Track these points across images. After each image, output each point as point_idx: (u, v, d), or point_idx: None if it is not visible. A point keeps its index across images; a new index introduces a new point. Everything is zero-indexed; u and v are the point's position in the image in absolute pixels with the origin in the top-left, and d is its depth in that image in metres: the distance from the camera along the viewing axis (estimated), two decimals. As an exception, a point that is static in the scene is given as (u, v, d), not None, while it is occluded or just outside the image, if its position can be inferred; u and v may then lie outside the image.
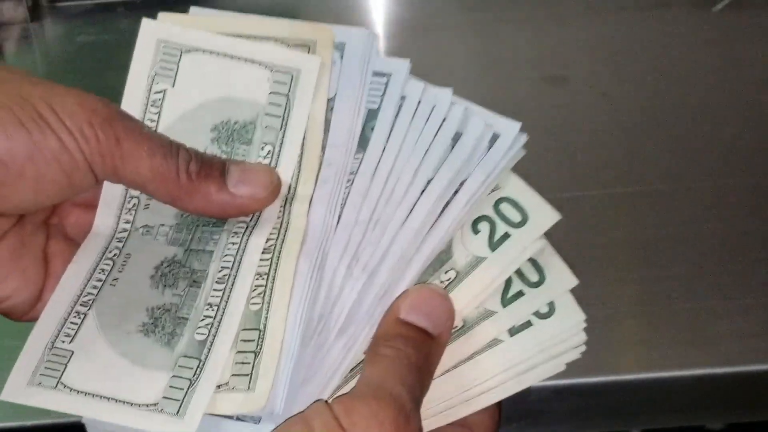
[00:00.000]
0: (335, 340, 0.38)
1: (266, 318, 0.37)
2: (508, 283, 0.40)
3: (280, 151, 0.40)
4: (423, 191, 0.40)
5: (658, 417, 0.57)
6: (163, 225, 0.40)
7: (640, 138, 0.69)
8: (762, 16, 0.80)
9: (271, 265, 0.38)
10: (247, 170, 0.39)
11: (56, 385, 0.36)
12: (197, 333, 0.37)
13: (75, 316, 0.38)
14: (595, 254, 0.60)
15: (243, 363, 0.36)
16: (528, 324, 0.40)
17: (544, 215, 0.41)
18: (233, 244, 0.39)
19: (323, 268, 0.38)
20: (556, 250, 0.42)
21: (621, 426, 0.59)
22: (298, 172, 0.40)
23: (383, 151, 0.40)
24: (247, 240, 0.39)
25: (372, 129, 0.41)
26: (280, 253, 0.38)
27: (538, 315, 0.40)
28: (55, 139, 0.35)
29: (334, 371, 0.38)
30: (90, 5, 0.84)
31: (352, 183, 0.40)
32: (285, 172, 0.40)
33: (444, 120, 0.41)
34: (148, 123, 0.41)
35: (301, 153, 0.40)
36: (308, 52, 0.41)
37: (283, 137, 0.40)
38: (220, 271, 0.38)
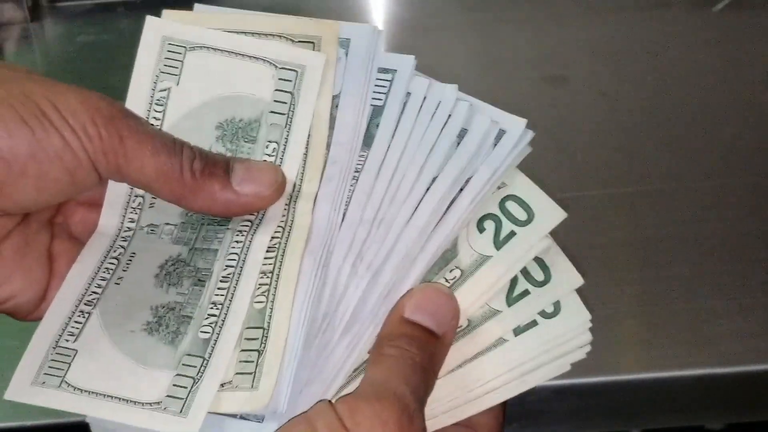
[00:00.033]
0: (339, 339, 0.37)
1: (270, 316, 0.36)
2: (514, 282, 0.40)
3: (284, 148, 0.40)
4: (428, 189, 0.39)
5: (658, 417, 0.57)
6: (168, 224, 0.40)
7: (640, 138, 0.69)
8: (762, 16, 0.80)
9: (275, 263, 0.38)
10: (252, 168, 0.38)
11: (60, 384, 0.36)
12: (201, 331, 0.37)
13: (79, 316, 0.38)
14: (595, 254, 0.60)
15: (247, 362, 0.36)
16: (533, 323, 0.39)
17: (550, 213, 0.40)
18: (238, 242, 0.38)
19: (328, 267, 0.38)
20: (557, 242, 0.41)
21: (621, 426, 0.59)
22: (303, 169, 0.40)
23: (388, 148, 0.40)
24: (252, 238, 0.38)
25: (377, 126, 0.40)
26: (284, 252, 0.38)
27: (544, 314, 0.40)
28: (57, 137, 0.35)
29: (338, 370, 0.37)
30: (90, 5, 0.84)
31: (356, 181, 0.40)
32: (290, 169, 0.40)
33: (449, 116, 0.41)
34: (152, 121, 0.40)
35: (306, 151, 0.40)
36: (313, 48, 0.41)
37: (288, 135, 0.40)
38: (224, 269, 0.38)
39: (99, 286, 0.39)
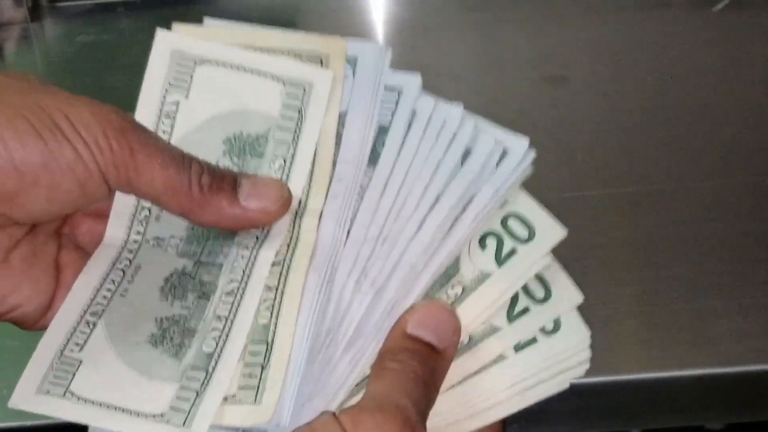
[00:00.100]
0: (342, 355, 0.38)
1: (274, 331, 0.37)
2: (515, 299, 0.40)
3: (291, 164, 0.40)
4: (432, 207, 0.40)
5: (658, 417, 0.57)
6: (173, 237, 0.40)
7: (640, 138, 0.69)
8: (762, 16, 0.80)
9: (280, 278, 0.38)
10: (258, 184, 0.39)
11: (64, 394, 0.36)
12: (205, 345, 0.37)
13: (84, 326, 0.38)
14: (595, 254, 0.60)
15: (250, 375, 0.36)
16: (533, 340, 0.40)
17: (551, 231, 0.41)
18: (243, 257, 0.39)
19: (332, 283, 0.38)
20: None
21: (621, 426, 0.59)
22: (309, 186, 0.40)
23: (393, 166, 0.40)
24: (257, 253, 0.39)
25: (383, 144, 0.41)
26: (289, 267, 0.38)
27: (544, 332, 0.40)
28: (70, 148, 0.36)
29: (340, 385, 0.38)
30: (90, 5, 0.84)
31: (362, 198, 0.40)
32: (296, 185, 0.40)
33: (454, 136, 0.41)
34: (160, 134, 0.41)
35: (312, 167, 0.40)
36: (321, 65, 0.41)
37: (294, 151, 0.40)
38: (229, 283, 0.38)
39: (104, 297, 0.39)
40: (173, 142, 0.41)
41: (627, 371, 0.55)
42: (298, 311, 0.37)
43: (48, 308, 0.39)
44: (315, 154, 0.40)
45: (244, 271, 0.38)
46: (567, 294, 0.41)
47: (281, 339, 0.37)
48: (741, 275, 0.59)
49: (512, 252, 0.40)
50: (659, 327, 0.57)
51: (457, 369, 0.39)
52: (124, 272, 0.40)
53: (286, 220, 0.39)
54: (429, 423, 0.37)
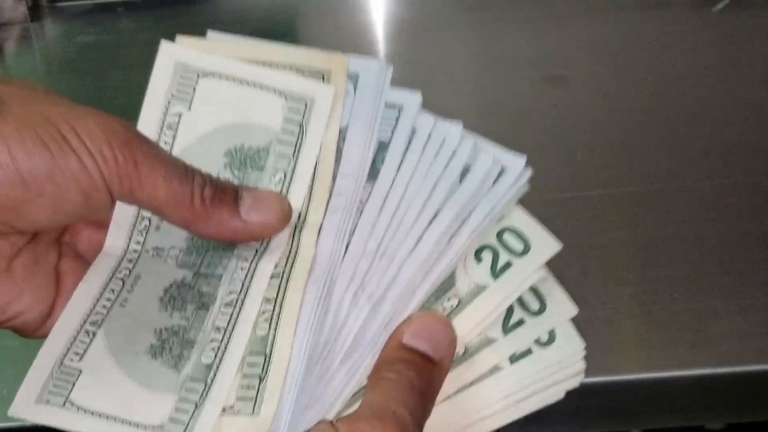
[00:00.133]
0: (339, 366, 0.38)
1: (272, 343, 0.37)
2: (510, 311, 0.40)
3: (291, 178, 0.40)
4: (430, 223, 0.40)
5: (658, 417, 0.57)
6: (173, 247, 0.40)
7: (640, 138, 0.69)
8: (762, 16, 0.80)
9: (278, 291, 0.38)
10: (260, 197, 0.39)
11: (64, 404, 0.37)
12: (204, 356, 0.37)
13: (84, 335, 0.38)
14: (595, 254, 0.60)
15: (248, 387, 0.36)
16: (528, 352, 0.40)
17: (545, 245, 0.41)
18: (242, 269, 0.39)
19: (330, 296, 0.39)
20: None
21: (621, 426, 0.59)
22: (309, 200, 0.40)
23: (393, 182, 0.41)
24: (256, 265, 0.39)
25: (382, 160, 0.41)
26: (288, 280, 0.38)
27: (539, 343, 0.40)
28: (75, 159, 0.36)
29: (337, 396, 0.38)
30: (90, 5, 0.84)
31: (361, 213, 0.40)
32: (296, 199, 0.40)
33: (453, 154, 0.41)
34: (162, 145, 0.41)
35: (312, 181, 0.40)
36: (323, 81, 0.42)
37: (295, 165, 0.41)
38: (228, 295, 0.38)
39: (104, 307, 0.39)
40: (174, 153, 0.41)
41: (627, 371, 0.55)
42: (297, 323, 0.37)
43: (48, 316, 0.39)
44: (315, 168, 0.41)
45: (243, 283, 0.39)
46: (562, 306, 0.41)
47: (279, 350, 0.37)
48: (741, 275, 0.59)
49: (507, 265, 0.41)
50: (659, 327, 0.57)
51: (452, 380, 0.39)
52: (123, 282, 0.40)
53: (285, 233, 0.40)
54: (424, 433, 0.37)
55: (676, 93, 0.73)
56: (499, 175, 0.41)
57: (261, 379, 0.36)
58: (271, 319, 0.37)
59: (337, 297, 0.39)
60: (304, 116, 0.41)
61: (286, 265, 0.39)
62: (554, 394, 0.40)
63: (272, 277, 0.38)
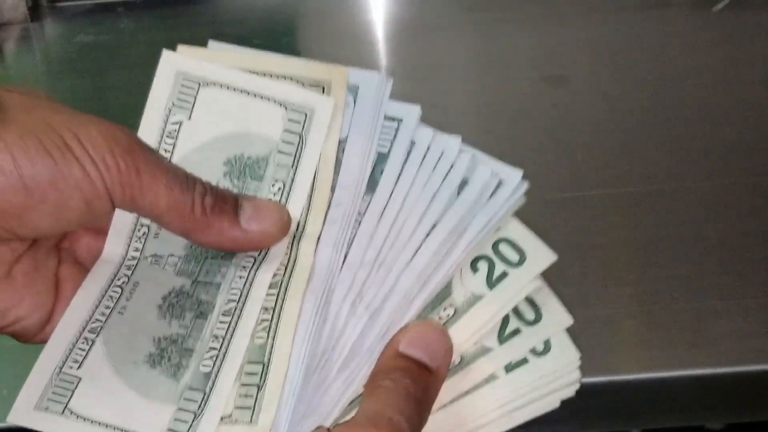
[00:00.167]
0: (336, 375, 0.38)
1: (270, 352, 0.37)
2: (505, 320, 0.41)
3: (290, 188, 0.41)
4: (428, 235, 0.40)
5: (658, 417, 0.57)
6: (172, 255, 0.40)
7: (640, 138, 0.69)
8: (762, 16, 0.80)
9: (277, 300, 0.38)
10: (260, 207, 0.39)
11: (63, 411, 0.37)
12: (202, 365, 0.37)
13: (83, 343, 0.38)
14: (595, 254, 0.60)
15: (246, 396, 0.36)
16: (524, 361, 0.41)
17: (541, 256, 0.41)
18: (240, 277, 0.39)
19: (328, 305, 0.39)
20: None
21: (621, 426, 0.59)
22: (308, 210, 0.41)
23: (391, 194, 0.41)
24: (255, 274, 0.39)
25: (381, 172, 0.41)
26: (286, 290, 0.38)
27: (534, 352, 0.41)
28: (78, 167, 0.36)
29: (333, 405, 0.38)
30: (90, 5, 0.84)
31: (359, 224, 0.41)
32: (294, 209, 0.40)
33: (451, 167, 0.42)
34: (162, 153, 0.41)
35: (311, 192, 0.41)
36: (323, 92, 0.42)
37: (294, 175, 0.41)
38: (226, 303, 0.39)
39: (103, 314, 0.39)
40: (174, 161, 0.41)
41: (627, 371, 0.55)
42: (295, 332, 0.37)
43: (47, 322, 0.39)
44: (314, 178, 0.41)
45: (241, 292, 0.39)
46: (557, 316, 0.41)
47: (277, 359, 0.37)
48: (741, 275, 0.59)
49: (503, 275, 0.41)
50: (659, 327, 0.57)
51: (448, 388, 0.39)
52: (122, 289, 0.40)
53: (284, 243, 0.40)
54: (419, 442, 0.37)
55: (676, 93, 0.73)
56: (497, 187, 0.42)
57: (259, 388, 0.36)
58: (270, 328, 0.38)
59: (335, 306, 0.39)
60: (303, 127, 0.41)
61: (284, 275, 0.39)
62: (549, 403, 0.41)
63: (270, 286, 0.39)
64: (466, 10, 0.83)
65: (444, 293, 0.41)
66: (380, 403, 0.36)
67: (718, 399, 0.56)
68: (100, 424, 0.36)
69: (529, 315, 0.41)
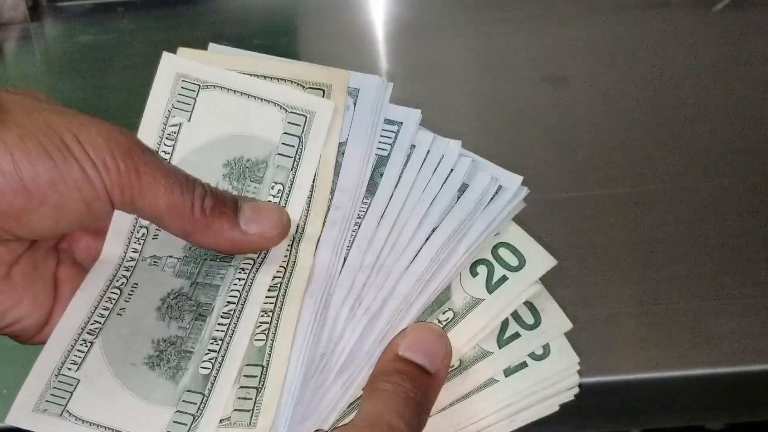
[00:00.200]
0: (335, 379, 0.38)
1: (270, 355, 0.37)
2: (505, 324, 0.41)
3: (290, 191, 0.41)
4: (427, 239, 0.40)
5: (658, 417, 0.57)
6: (171, 256, 0.41)
7: (640, 138, 0.69)
8: (762, 16, 0.80)
9: (276, 303, 0.38)
10: (259, 209, 0.39)
11: (62, 413, 0.37)
12: (201, 367, 0.37)
13: (82, 344, 0.38)
14: (595, 254, 0.60)
15: (245, 398, 0.36)
16: (523, 365, 0.41)
17: (540, 260, 0.41)
18: (240, 279, 0.39)
19: (327, 309, 0.39)
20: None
21: (621, 426, 0.59)
22: (307, 212, 0.41)
23: (391, 197, 0.41)
24: (254, 277, 0.39)
25: (381, 175, 0.41)
26: (285, 292, 0.38)
27: (533, 356, 0.41)
28: (78, 169, 0.36)
29: (332, 409, 0.38)
30: (90, 5, 0.84)
31: (358, 227, 0.41)
32: (294, 211, 0.40)
33: (451, 171, 0.42)
34: (162, 155, 0.41)
35: (311, 194, 0.41)
36: (323, 95, 0.42)
37: (293, 177, 0.41)
38: (225, 305, 0.39)
39: (101, 316, 0.39)
40: (174, 162, 0.41)
41: (627, 371, 0.55)
42: (294, 335, 0.37)
43: (46, 323, 0.39)
44: (314, 181, 0.41)
45: (240, 294, 0.39)
46: (556, 321, 0.41)
47: (276, 362, 0.37)
48: (741, 275, 0.59)
49: (503, 279, 0.41)
50: (659, 327, 0.57)
51: (447, 392, 0.39)
52: (120, 290, 0.40)
53: (283, 245, 0.40)
54: (418, 446, 0.37)
55: (676, 93, 0.73)
56: (497, 192, 0.42)
57: (258, 391, 0.36)
58: (269, 331, 0.38)
59: (334, 310, 0.39)
60: (303, 130, 0.41)
61: (283, 277, 0.39)
62: (548, 406, 0.41)
63: (270, 288, 0.39)
64: (466, 10, 0.83)
65: (443, 297, 0.41)
66: (379, 406, 0.36)
67: (718, 399, 0.56)
68: (98, 426, 0.36)
69: (529, 319, 0.41)
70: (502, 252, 0.42)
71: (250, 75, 0.42)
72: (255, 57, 0.43)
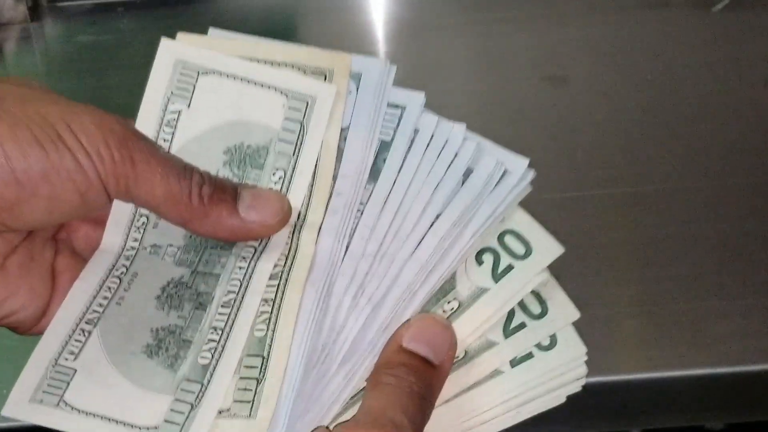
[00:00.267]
0: (337, 370, 0.38)
1: (270, 345, 0.37)
2: (511, 314, 0.40)
3: (291, 177, 0.40)
4: (431, 225, 0.40)
5: (658, 417, 0.57)
6: (171, 245, 0.40)
7: (640, 138, 0.69)
8: (762, 16, 0.80)
9: (277, 292, 0.38)
10: (259, 196, 0.39)
11: (58, 403, 0.36)
12: (201, 357, 0.37)
13: (79, 334, 0.38)
14: (595, 254, 0.60)
15: (245, 389, 0.36)
16: (529, 356, 0.40)
17: (547, 248, 0.41)
18: (240, 268, 0.39)
19: (329, 297, 0.38)
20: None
21: (621, 426, 0.59)
22: (309, 199, 0.40)
23: (394, 183, 0.40)
24: (255, 265, 0.39)
25: (384, 161, 0.41)
26: (286, 281, 0.38)
27: (540, 347, 0.40)
28: (71, 158, 0.35)
29: (334, 400, 0.38)
30: (90, 5, 0.84)
31: (361, 214, 0.40)
32: (295, 198, 0.40)
33: (456, 155, 0.41)
34: (161, 142, 0.41)
35: (313, 180, 0.40)
36: (325, 80, 0.41)
37: (295, 164, 0.40)
38: (226, 295, 0.38)
39: (100, 305, 0.39)
40: (173, 150, 0.41)
41: (627, 371, 0.55)
42: (295, 325, 0.37)
43: (44, 314, 0.39)
44: (316, 167, 0.40)
45: (241, 283, 0.38)
46: (563, 310, 0.41)
47: (277, 353, 0.36)
48: (741, 275, 0.59)
49: (509, 268, 0.40)
50: (659, 327, 0.57)
51: (452, 383, 0.39)
52: (120, 280, 0.39)
53: (284, 233, 0.39)
54: (422, 438, 0.37)
55: (676, 93, 0.73)
56: (502, 176, 0.41)
57: (258, 382, 0.36)
58: (269, 321, 0.37)
59: (336, 299, 0.38)
60: (305, 115, 0.41)
61: (285, 265, 0.38)
62: (555, 398, 0.40)
63: (271, 277, 0.38)
64: (466, 10, 0.83)
65: (448, 286, 0.40)
66: (383, 401, 0.36)
67: (718, 399, 0.56)
68: (95, 416, 0.36)
69: (535, 309, 0.40)
70: (508, 240, 0.41)
71: (251, 60, 0.41)
72: (255, 41, 0.42)
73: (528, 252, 0.41)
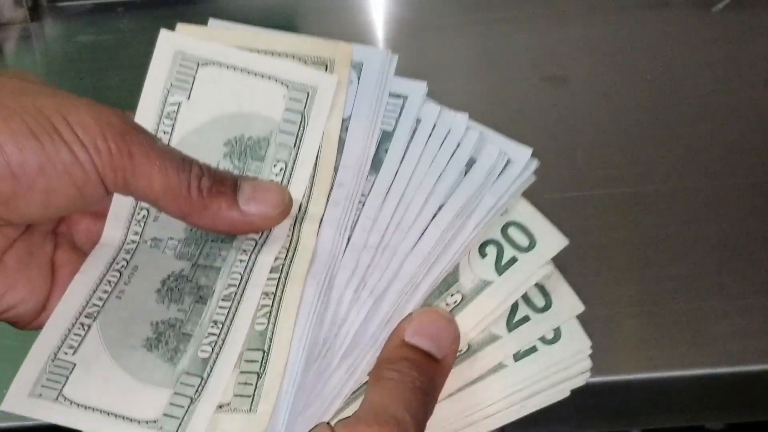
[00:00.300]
0: (339, 364, 0.37)
1: (271, 339, 0.36)
2: (514, 307, 0.40)
3: (292, 169, 0.40)
4: (434, 217, 0.39)
5: (658, 417, 0.57)
6: (171, 238, 0.40)
7: (640, 138, 0.69)
8: (762, 16, 0.80)
9: (278, 285, 0.37)
10: (259, 188, 0.38)
11: (57, 398, 0.36)
12: (201, 350, 0.37)
13: (79, 328, 0.38)
14: (595, 254, 0.60)
15: (246, 384, 0.36)
16: (533, 349, 0.40)
17: (551, 240, 0.40)
18: (241, 261, 0.38)
19: (330, 290, 0.38)
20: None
21: (621, 426, 0.59)
22: (310, 191, 0.40)
23: (396, 174, 0.40)
24: (255, 258, 0.38)
25: (386, 151, 0.40)
26: (287, 274, 0.38)
27: (544, 340, 0.40)
28: (67, 151, 0.35)
29: (336, 395, 0.37)
30: (90, 5, 0.84)
31: (363, 205, 0.39)
32: (296, 190, 0.39)
33: (458, 145, 0.41)
34: (161, 135, 0.40)
35: (314, 172, 0.40)
36: (326, 70, 0.41)
37: (296, 155, 0.40)
38: (226, 288, 0.38)
39: (100, 299, 0.39)
40: (173, 142, 0.40)
41: (627, 371, 0.55)
42: (296, 319, 0.37)
43: (43, 308, 0.39)
44: (317, 158, 0.40)
45: (241, 276, 0.38)
46: (567, 303, 0.40)
47: (278, 347, 0.36)
48: (741, 275, 0.59)
49: (512, 260, 0.40)
50: (659, 327, 0.57)
51: (455, 377, 0.38)
52: (120, 273, 0.39)
53: (285, 225, 0.39)
54: (426, 432, 0.36)
55: (676, 93, 0.73)
56: (505, 166, 0.41)
57: (259, 376, 0.36)
58: (270, 314, 0.37)
59: (337, 292, 0.38)
60: (306, 106, 0.40)
61: (286, 258, 0.38)
62: (559, 392, 0.40)
63: (272, 270, 0.38)
64: (466, 10, 0.83)
65: (451, 279, 0.40)
66: (385, 396, 0.35)
67: (718, 399, 0.56)
68: (94, 409, 0.36)
69: (539, 302, 0.40)
70: (512, 232, 0.40)
71: (251, 50, 0.41)
72: (255, 32, 0.42)
73: (532, 244, 0.40)
